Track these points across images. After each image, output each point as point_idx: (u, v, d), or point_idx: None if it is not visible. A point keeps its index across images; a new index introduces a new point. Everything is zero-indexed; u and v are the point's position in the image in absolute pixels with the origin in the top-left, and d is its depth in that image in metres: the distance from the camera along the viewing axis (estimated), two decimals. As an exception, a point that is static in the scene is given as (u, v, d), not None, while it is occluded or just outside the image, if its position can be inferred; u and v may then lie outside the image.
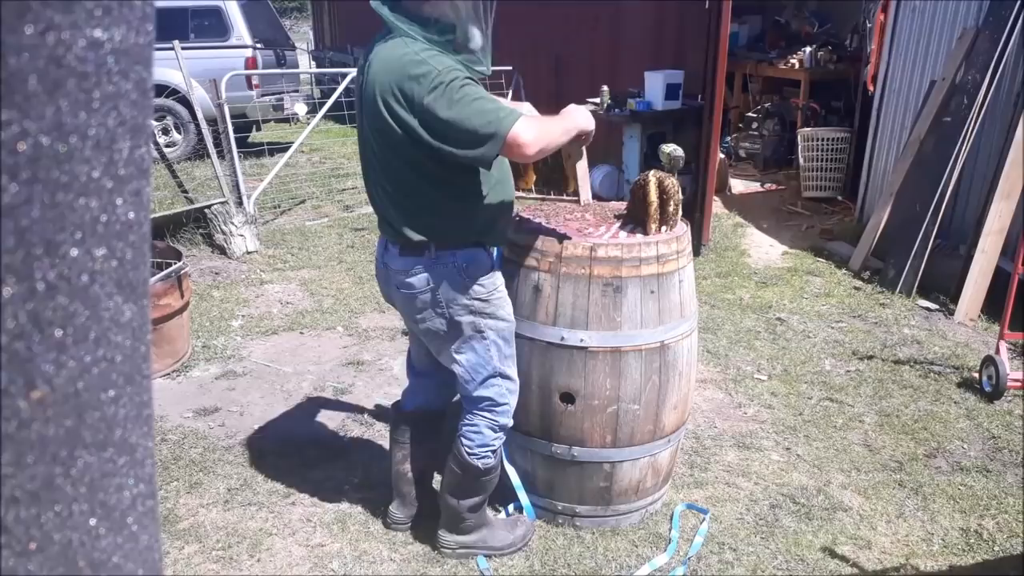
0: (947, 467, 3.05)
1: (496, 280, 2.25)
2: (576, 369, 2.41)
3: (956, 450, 3.16)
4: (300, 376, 3.71)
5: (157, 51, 0.38)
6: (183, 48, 5.57)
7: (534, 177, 2.53)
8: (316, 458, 3.04)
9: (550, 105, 2.80)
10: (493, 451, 2.35)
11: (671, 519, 2.69)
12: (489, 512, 2.56)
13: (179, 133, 8.42)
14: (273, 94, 8.76)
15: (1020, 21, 4.45)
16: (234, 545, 2.54)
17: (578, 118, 2.20)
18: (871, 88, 5.88)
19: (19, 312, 0.32)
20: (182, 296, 3.67)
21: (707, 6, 5.38)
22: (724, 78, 5.56)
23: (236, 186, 5.67)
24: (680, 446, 2.81)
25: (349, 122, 7.45)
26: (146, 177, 0.37)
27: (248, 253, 5.41)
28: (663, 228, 2.44)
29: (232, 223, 5.38)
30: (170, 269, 3.56)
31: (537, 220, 2.53)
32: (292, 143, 6.74)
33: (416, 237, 2.12)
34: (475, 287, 2.18)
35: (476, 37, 2.02)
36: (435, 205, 2.10)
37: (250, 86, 8.21)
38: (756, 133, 7.67)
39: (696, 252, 4.83)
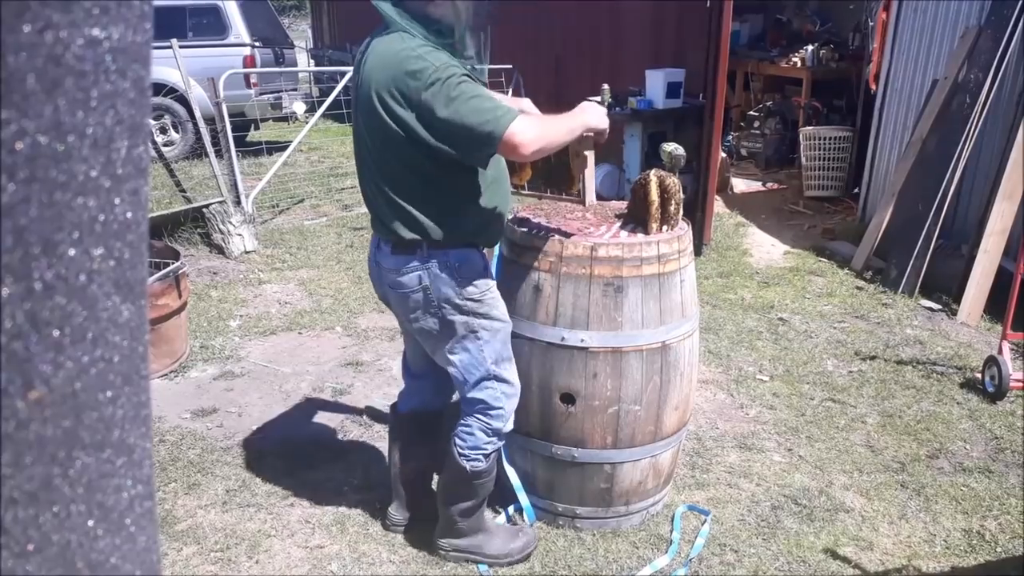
0: (949, 468, 3.05)
1: (489, 280, 2.23)
2: (577, 370, 2.41)
3: (958, 451, 3.16)
4: (299, 376, 3.71)
5: (155, 50, 0.38)
6: (181, 47, 5.56)
7: (530, 173, 2.52)
8: (315, 459, 3.04)
9: (550, 104, 2.80)
10: (485, 455, 2.31)
11: (672, 520, 2.69)
12: (489, 519, 2.54)
13: (177, 132, 8.42)
14: (272, 93, 8.77)
15: (1022, 21, 4.45)
16: (232, 546, 2.54)
17: (587, 116, 2.16)
18: (873, 87, 5.88)
19: (17, 312, 0.32)
20: (180, 296, 3.67)
21: (708, 4, 5.38)
22: (725, 77, 5.56)
23: (234, 185, 5.67)
24: (681, 447, 2.81)
25: (348, 121, 7.43)
26: (144, 176, 0.37)
27: (246, 253, 5.41)
28: (664, 228, 2.43)
29: (230, 222, 5.38)
30: (168, 269, 3.56)
31: (537, 219, 2.53)
32: (291, 142, 6.74)
33: (408, 235, 2.10)
34: (468, 287, 2.16)
35: (475, 42, 2.02)
36: (428, 203, 2.08)
37: (248, 85, 8.22)
38: (758, 132, 7.67)
39: (697, 252, 4.82)
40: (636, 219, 2.50)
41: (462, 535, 2.44)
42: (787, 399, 3.55)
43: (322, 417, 3.36)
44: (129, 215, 0.36)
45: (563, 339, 2.39)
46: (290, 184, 7.23)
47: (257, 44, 8.55)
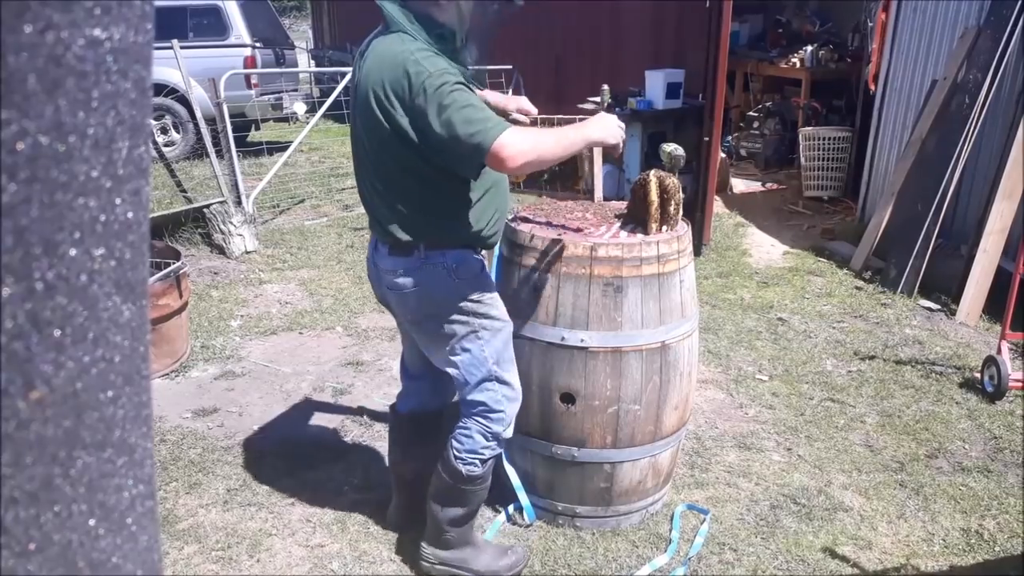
0: (948, 467, 3.05)
1: (487, 281, 2.21)
2: (576, 369, 2.41)
3: (957, 450, 3.16)
4: (299, 376, 3.71)
5: (156, 50, 0.38)
6: (182, 47, 5.57)
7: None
8: (316, 459, 3.04)
9: (550, 104, 2.80)
10: (482, 460, 2.25)
11: (672, 520, 2.69)
12: (478, 534, 2.48)
13: (178, 132, 8.42)
14: (272, 93, 8.77)
15: (1021, 21, 4.45)
16: (234, 545, 2.54)
17: (590, 130, 2.08)
18: (872, 87, 5.88)
19: (18, 312, 0.32)
20: (181, 296, 3.67)
21: (708, 5, 5.38)
22: (725, 77, 5.56)
23: (235, 185, 5.67)
24: (681, 447, 2.81)
25: (348, 121, 7.44)
26: (145, 176, 0.37)
27: (247, 253, 5.41)
28: (664, 228, 2.43)
29: (231, 223, 5.38)
30: (169, 269, 3.56)
31: (537, 219, 2.53)
32: (291, 142, 6.74)
33: (405, 237, 2.08)
34: (465, 288, 2.13)
35: (476, 48, 2.00)
36: (425, 205, 2.06)
37: (249, 85, 8.22)
38: (757, 132, 7.67)
39: (697, 252, 4.83)
40: (636, 219, 2.50)
41: (449, 546, 2.36)
42: (786, 399, 3.55)
43: (323, 417, 3.36)
44: (130, 215, 0.36)
45: (563, 339, 2.39)
46: (291, 184, 7.23)
47: (258, 45, 8.55)
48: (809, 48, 7.35)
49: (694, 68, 5.74)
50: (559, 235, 2.38)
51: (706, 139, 5.40)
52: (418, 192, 2.04)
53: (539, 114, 2.53)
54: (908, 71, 5.44)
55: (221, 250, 5.36)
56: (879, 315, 4.50)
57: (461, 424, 2.27)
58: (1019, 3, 4.45)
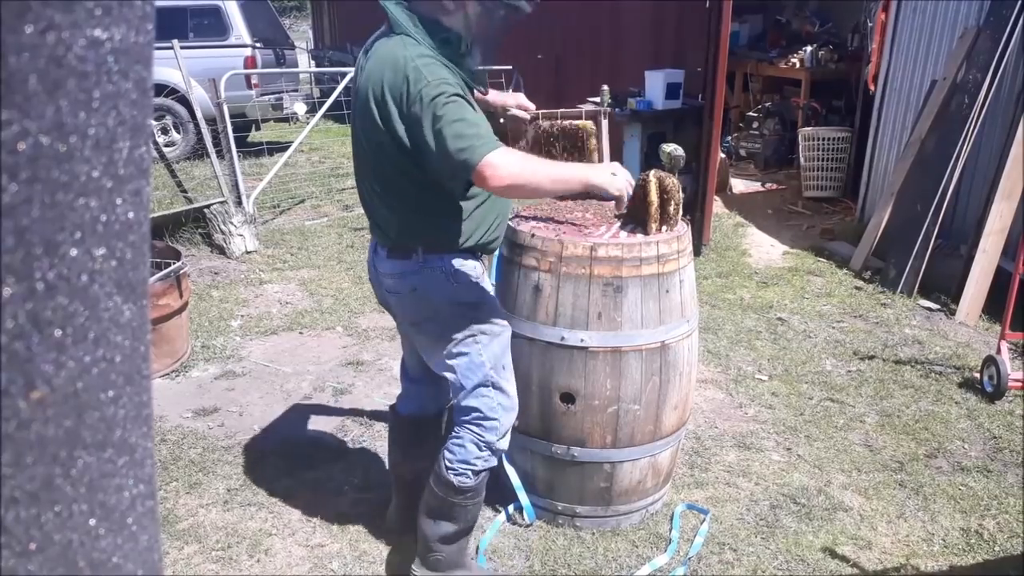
0: (948, 467, 3.05)
1: (486, 286, 2.18)
2: (576, 369, 2.41)
3: (957, 450, 3.16)
4: (300, 376, 3.71)
5: (156, 50, 0.38)
6: (182, 47, 5.57)
7: None
8: (316, 458, 3.04)
9: (549, 105, 2.80)
10: (474, 471, 2.19)
11: (671, 519, 2.69)
12: (471, 559, 2.40)
13: (178, 133, 8.42)
14: (272, 93, 8.77)
15: (1021, 21, 4.45)
16: (234, 545, 2.54)
17: (593, 174, 2.01)
18: (872, 87, 5.88)
19: (19, 312, 0.32)
20: (181, 296, 3.67)
21: (708, 5, 5.38)
22: (725, 77, 5.56)
23: (235, 186, 5.67)
24: (680, 446, 2.81)
25: (348, 121, 7.43)
26: (146, 177, 0.37)
27: (247, 253, 5.41)
28: (664, 228, 2.43)
29: (231, 223, 5.38)
30: (169, 269, 3.56)
31: (537, 219, 2.53)
32: (291, 142, 6.74)
33: (403, 240, 2.06)
34: (464, 293, 2.10)
35: (480, 55, 1.98)
36: (423, 208, 2.03)
37: (249, 85, 8.22)
38: (757, 133, 7.67)
39: (697, 252, 4.83)
40: (636, 219, 2.50)
41: (438, 567, 2.28)
42: (786, 398, 3.55)
43: (323, 417, 3.36)
44: (131, 215, 0.36)
45: (563, 339, 2.40)
46: (291, 184, 7.23)
47: (258, 45, 8.55)
48: (809, 48, 7.35)
49: (694, 68, 5.74)
50: (559, 235, 2.38)
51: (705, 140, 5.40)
52: (416, 195, 2.01)
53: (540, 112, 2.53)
54: (908, 71, 5.44)
55: (221, 250, 5.36)
56: (879, 315, 4.50)
57: (454, 433, 2.22)
58: (1019, 3, 4.45)
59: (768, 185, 7.26)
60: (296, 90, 9.66)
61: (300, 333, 4.20)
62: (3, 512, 0.33)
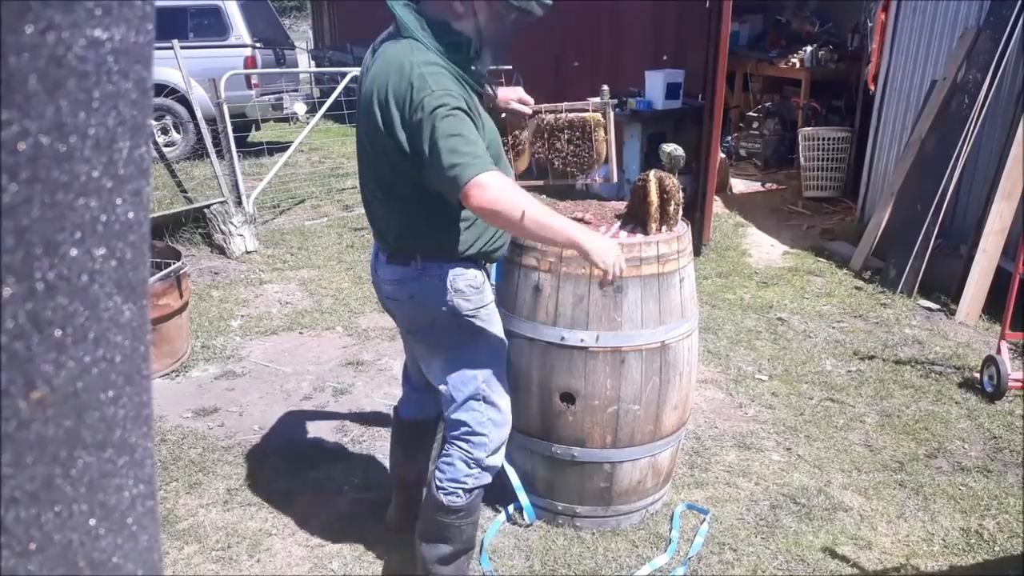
0: (948, 467, 3.05)
1: (486, 296, 2.13)
2: (576, 369, 2.41)
3: (957, 450, 3.16)
4: (300, 376, 3.71)
5: (156, 50, 0.38)
6: (182, 47, 5.57)
7: (527, 161, 2.50)
8: (316, 458, 3.04)
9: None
10: (465, 490, 2.13)
11: (671, 519, 2.69)
12: None
13: (178, 133, 8.42)
14: (272, 93, 8.77)
15: (1021, 21, 4.45)
16: (234, 545, 2.54)
17: (586, 239, 1.88)
18: (872, 87, 5.88)
19: (19, 312, 0.32)
20: (181, 296, 3.67)
21: (708, 5, 5.38)
22: (725, 77, 5.56)
23: (235, 186, 5.67)
24: (680, 446, 2.81)
25: (349, 121, 7.47)
26: (146, 177, 0.37)
27: (247, 253, 5.41)
28: (664, 228, 2.43)
29: (231, 223, 5.38)
30: (169, 269, 3.56)
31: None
32: (291, 142, 6.74)
33: (403, 247, 2.03)
34: (462, 302, 2.05)
35: (486, 60, 1.96)
36: (424, 215, 1.99)
37: (249, 85, 8.21)
38: (757, 133, 7.67)
39: (697, 252, 4.83)
40: (636, 219, 2.50)
41: None
42: (786, 398, 3.55)
43: (323, 417, 3.36)
44: (131, 215, 0.36)
45: (563, 339, 2.40)
46: (291, 184, 7.23)
47: (258, 45, 8.55)
48: (809, 48, 7.35)
49: (694, 68, 5.74)
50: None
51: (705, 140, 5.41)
52: (417, 201, 1.97)
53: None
54: (908, 71, 5.44)
55: (221, 250, 5.36)
56: (879, 315, 4.50)
57: (444, 452, 2.19)
58: (1019, 3, 4.45)
59: (768, 185, 7.26)
60: (296, 90, 9.66)
61: (300, 333, 4.20)
62: (3, 512, 0.33)
